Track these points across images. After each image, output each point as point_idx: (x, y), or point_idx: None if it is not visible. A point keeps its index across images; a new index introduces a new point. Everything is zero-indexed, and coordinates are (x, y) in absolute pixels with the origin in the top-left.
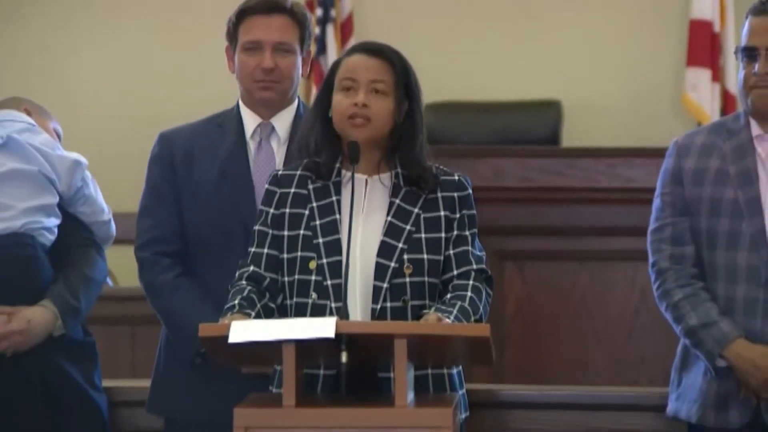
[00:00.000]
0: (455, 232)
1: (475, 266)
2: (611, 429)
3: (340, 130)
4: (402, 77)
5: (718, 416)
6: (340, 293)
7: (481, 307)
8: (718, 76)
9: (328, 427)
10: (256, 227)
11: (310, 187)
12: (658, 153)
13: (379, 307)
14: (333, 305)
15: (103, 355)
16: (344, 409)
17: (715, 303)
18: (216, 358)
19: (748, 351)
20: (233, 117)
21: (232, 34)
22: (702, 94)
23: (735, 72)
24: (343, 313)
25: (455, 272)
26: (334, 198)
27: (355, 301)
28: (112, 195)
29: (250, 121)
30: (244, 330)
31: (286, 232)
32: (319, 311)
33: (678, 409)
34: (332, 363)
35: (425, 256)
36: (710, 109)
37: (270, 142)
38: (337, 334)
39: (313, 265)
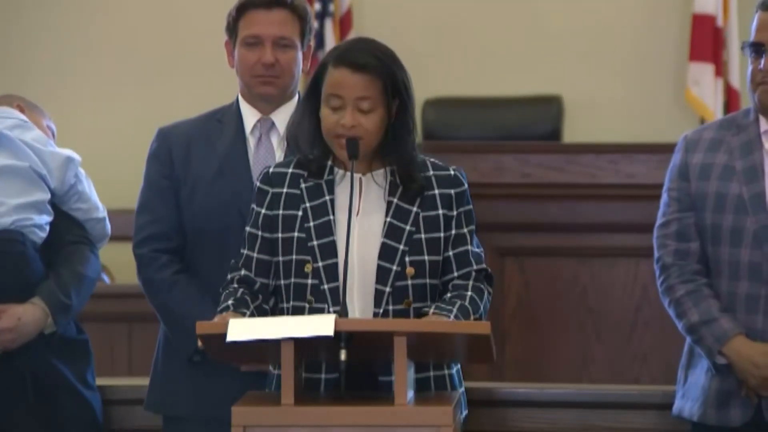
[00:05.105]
0: (453, 231)
1: (475, 266)
2: (613, 427)
3: (329, 145)
4: (389, 83)
5: (719, 414)
6: (338, 297)
7: (481, 307)
8: (721, 71)
9: (327, 426)
10: (248, 228)
11: (303, 186)
12: (660, 149)
13: (381, 310)
14: (331, 309)
15: (100, 353)
16: (343, 407)
17: (718, 300)
18: (214, 356)
19: (747, 349)
20: (233, 112)
21: (232, 29)
22: (705, 90)
23: (738, 67)
24: (342, 313)
25: (456, 274)
26: (327, 197)
27: (353, 304)
28: (110, 191)
29: (250, 116)
30: (242, 328)
31: (280, 235)
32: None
33: (682, 407)
34: (333, 364)
35: (426, 257)
36: (713, 105)
37: (270, 138)
38: (336, 332)
39: (308, 268)
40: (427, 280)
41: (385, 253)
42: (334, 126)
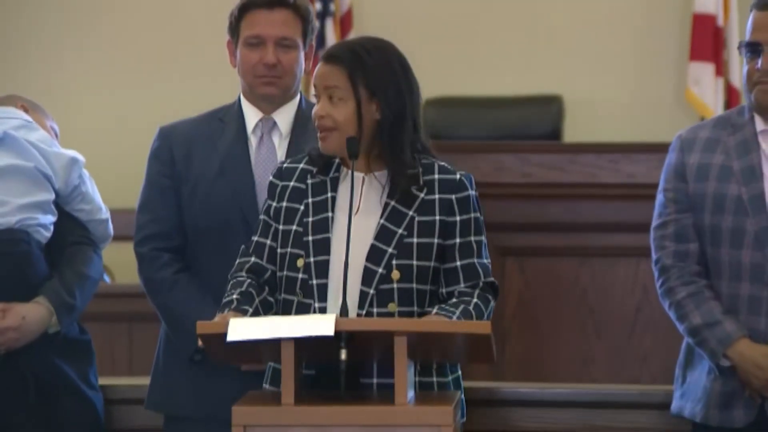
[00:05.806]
0: (458, 240)
1: (483, 279)
2: (613, 427)
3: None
4: (360, 77)
5: (722, 415)
6: (325, 293)
7: (485, 314)
8: (721, 70)
9: (327, 426)
10: (262, 216)
11: (309, 182)
12: (660, 148)
13: (365, 312)
14: (317, 305)
15: (101, 352)
16: (344, 407)
17: (719, 301)
18: (214, 356)
19: (750, 351)
20: (234, 111)
21: (234, 28)
22: (705, 89)
23: (739, 66)
24: (342, 312)
25: (462, 285)
26: (329, 195)
27: (336, 303)
28: (112, 191)
29: (252, 115)
30: (242, 328)
31: (281, 226)
32: (303, 310)
33: (682, 407)
34: (312, 363)
35: (414, 262)
36: (713, 104)
37: (271, 137)
38: (336, 332)
39: (300, 263)
40: (414, 285)
41: (373, 255)
42: (313, 118)
